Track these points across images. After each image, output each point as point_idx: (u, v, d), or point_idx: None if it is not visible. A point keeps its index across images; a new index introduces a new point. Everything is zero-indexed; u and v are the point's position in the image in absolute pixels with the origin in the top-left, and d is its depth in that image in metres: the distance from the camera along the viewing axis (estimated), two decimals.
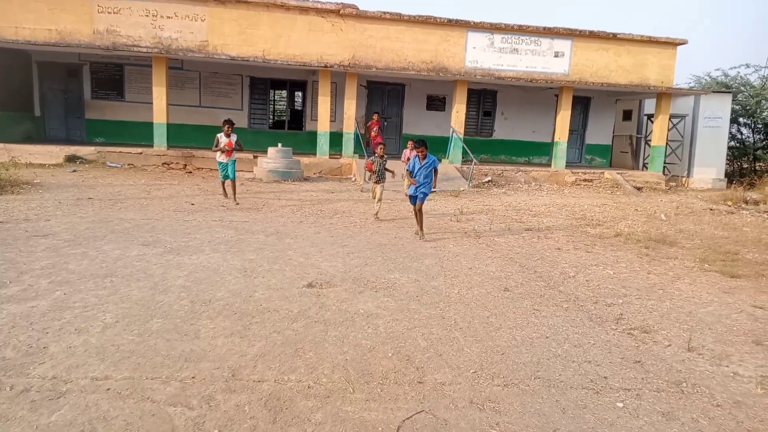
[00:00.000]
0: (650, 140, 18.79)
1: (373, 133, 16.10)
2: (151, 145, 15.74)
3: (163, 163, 15.47)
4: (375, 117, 16.44)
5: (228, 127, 10.11)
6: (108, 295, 4.84)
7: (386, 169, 9.75)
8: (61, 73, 17.47)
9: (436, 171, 8.16)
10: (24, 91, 16.92)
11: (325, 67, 15.71)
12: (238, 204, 9.74)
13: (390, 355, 3.89)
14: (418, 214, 8.04)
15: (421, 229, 8.09)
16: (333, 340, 4.11)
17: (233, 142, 10.07)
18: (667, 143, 18.66)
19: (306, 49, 15.71)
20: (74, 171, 13.63)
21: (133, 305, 4.63)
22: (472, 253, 7.37)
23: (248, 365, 3.60)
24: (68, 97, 17.65)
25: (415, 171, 8.05)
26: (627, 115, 21.25)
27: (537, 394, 3.43)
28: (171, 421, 2.89)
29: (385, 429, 2.93)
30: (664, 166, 18.91)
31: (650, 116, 19.34)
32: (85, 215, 8.42)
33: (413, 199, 8.10)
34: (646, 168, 19.13)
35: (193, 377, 3.40)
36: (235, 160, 10.30)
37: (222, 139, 10.05)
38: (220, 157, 10.15)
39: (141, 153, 15.45)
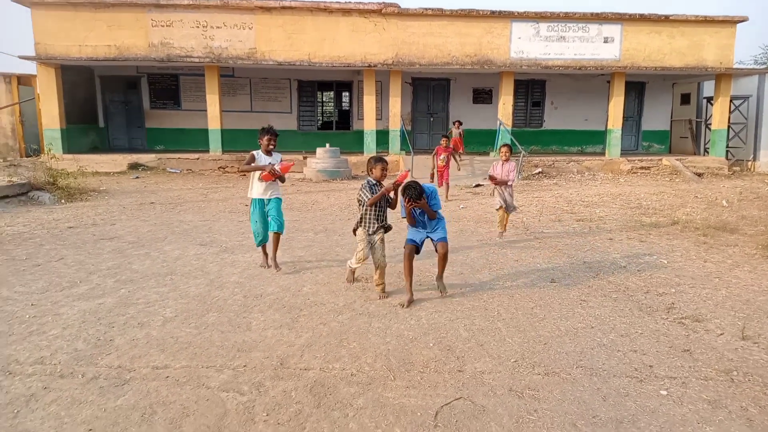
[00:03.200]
0: (711, 124, 17.94)
1: (439, 163, 11.86)
2: (207, 151, 16.44)
3: (218, 167, 16.11)
4: (443, 142, 11.99)
5: (269, 140, 5.83)
6: (168, 292, 5.16)
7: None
8: (122, 86, 18.49)
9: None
10: (89, 105, 18.02)
11: (369, 66, 15.90)
12: (279, 269, 5.94)
13: (431, 345, 3.98)
14: (441, 261, 5.07)
15: (441, 279, 5.16)
16: (376, 331, 4.24)
17: (276, 169, 5.68)
18: (729, 126, 17.76)
19: (350, 50, 15.95)
20: (137, 178, 14.41)
21: (191, 301, 4.92)
22: (519, 246, 7.32)
23: (295, 354, 3.79)
24: (129, 108, 18.66)
25: (416, 215, 5.09)
26: (685, 99, 20.35)
27: (578, 383, 3.44)
28: (223, 405, 3.10)
29: (424, 414, 3.03)
30: (727, 151, 18.01)
31: (710, 99, 18.45)
32: (147, 219, 8.93)
33: (416, 241, 5.03)
34: (707, 153, 18.28)
35: (244, 366, 3.61)
36: (280, 200, 6.01)
37: (261, 158, 5.84)
38: (256, 191, 5.90)
39: (198, 158, 16.15)
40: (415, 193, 4.81)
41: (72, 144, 16.23)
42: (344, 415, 3.02)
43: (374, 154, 16.56)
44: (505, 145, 7.81)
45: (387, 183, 5.08)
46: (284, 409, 3.07)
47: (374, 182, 5.13)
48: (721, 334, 4.30)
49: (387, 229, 5.24)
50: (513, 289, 5.41)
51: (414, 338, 4.10)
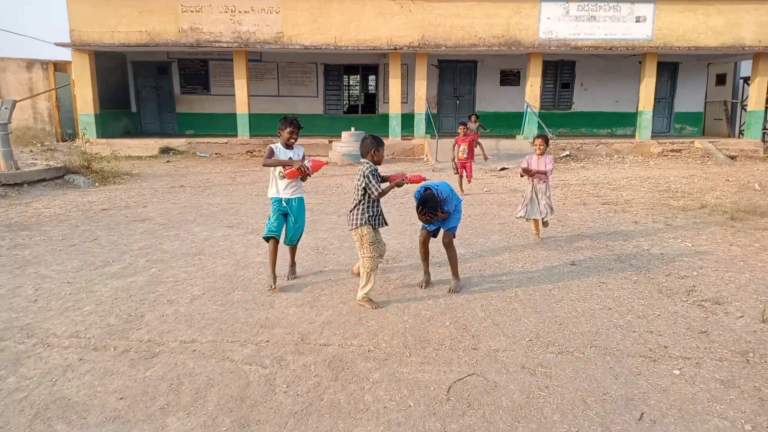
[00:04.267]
0: (747, 105, 17.37)
1: (460, 155, 10.36)
2: (236, 135, 16.71)
3: (246, 151, 16.38)
4: (461, 131, 10.49)
5: (291, 132, 5.06)
6: (196, 271, 5.36)
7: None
8: (153, 71, 18.86)
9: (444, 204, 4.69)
10: (121, 90, 18.46)
11: (395, 49, 15.86)
12: (296, 277, 5.24)
13: (447, 324, 4.08)
14: (448, 255, 4.86)
15: (456, 274, 4.87)
16: (394, 310, 4.35)
17: (307, 166, 4.96)
18: (766, 107, 17.17)
19: (376, 33, 15.91)
20: (167, 161, 14.77)
21: (218, 279, 5.11)
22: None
23: (316, 331, 3.93)
24: (160, 93, 19.05)
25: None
26: (720, 80, 19.72)
27: (591, 362, 3.49)
28: (246, 377, 3.27)
29: (437, 388, 3.14)
30: (764, 133, 17.44)
31: (747, 79, 17.84)
32: (177, 201, 9.20)
33: (429, 228, 4.89)
34: (742, 135, 17.74)
35: (267, 341, 3.77)
36: (302, 199, 5.31)
37: (282, 151, 5.08)
38: (276, 189, 5.12)
39: (226, 142, 16.45)
40: (432, 209, 4.49)
41: (105, 129, 16.69)
42: (360, 388, 3.15)
43: (399, 138, 16.58)
44: (540, 136, 6.48)
45: (387, 169, 4.94)
46: (303, 382, 3.22)
47: (366, 162, 4.45)
48: (741, 317, 4.27)
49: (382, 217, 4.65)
50: (532, 270, 5.45)
51: (431, 317, 4.20)
